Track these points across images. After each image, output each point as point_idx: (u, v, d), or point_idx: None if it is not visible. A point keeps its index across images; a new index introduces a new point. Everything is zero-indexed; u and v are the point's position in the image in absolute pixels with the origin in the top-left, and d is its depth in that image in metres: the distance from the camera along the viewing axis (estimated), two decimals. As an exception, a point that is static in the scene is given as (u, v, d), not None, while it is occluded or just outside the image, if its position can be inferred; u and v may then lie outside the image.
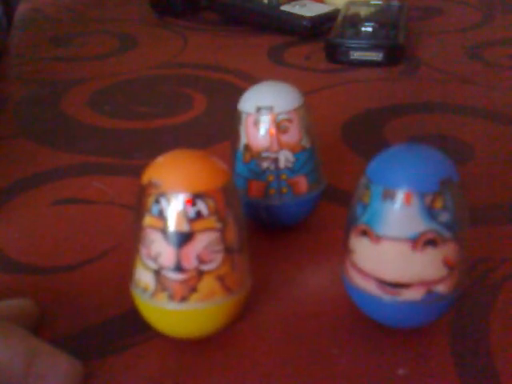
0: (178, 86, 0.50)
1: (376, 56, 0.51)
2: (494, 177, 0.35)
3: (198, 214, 0.21)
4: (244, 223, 0.23)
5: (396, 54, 0.51)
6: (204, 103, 0.46)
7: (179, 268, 0.21)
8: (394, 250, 0.21)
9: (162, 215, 0.21)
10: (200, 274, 0.22)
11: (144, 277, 0.22)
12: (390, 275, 0.22)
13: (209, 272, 0.22)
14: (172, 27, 0.63)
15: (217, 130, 0.41)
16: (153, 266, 0.22)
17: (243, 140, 0.28)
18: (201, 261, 0.21)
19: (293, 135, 0.27)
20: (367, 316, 0.24)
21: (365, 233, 0.22)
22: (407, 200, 0.21)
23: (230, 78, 0.51)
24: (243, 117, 0.28)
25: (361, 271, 0.23)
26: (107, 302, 0.26)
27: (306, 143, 0.28)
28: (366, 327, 0.24)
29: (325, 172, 0.30)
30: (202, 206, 0.21)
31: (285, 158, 0.27)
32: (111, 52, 0.57)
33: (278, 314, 0.25)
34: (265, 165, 0.28)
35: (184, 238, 0.21)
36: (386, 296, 0.22)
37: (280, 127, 0.27)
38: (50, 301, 0.26)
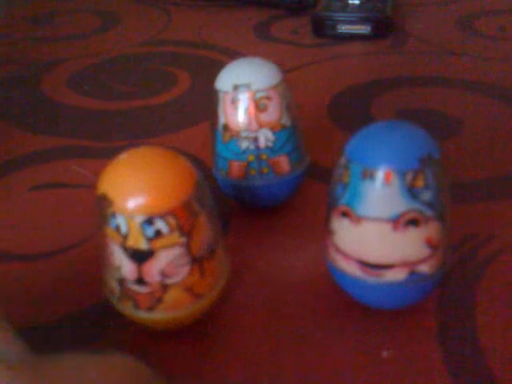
0: (162, 64, 0.48)
1: (364, 29, 0.50)
2: (483, 151, 0.34)
3: (158, 233, 0.19)
4: (217, 222, 0.22)
5: (384, 26, 0.50)
6: (188, 81, 0.45)
7: (142, 282, 0.20)
8: (375, 230, 0.21)
9: (119, 231, 0.20)
10: (165, 287, 0.20)
11: (110, 281, 0.21)
12: (372, 256, 0.21)
13: (174, 284, 0.20)
14: (155, 3, 0.62)
15: (201, 108, 0.40)
16: (116, 275, 0.21)
17: (222, 120, 0.27)
18: (165, 275, 0.20)
19: (272, 113, 0.26)
20: (351, 297, 0.23)
21: (345, 214, 0.21)
22: (387, 179, 0.20)
23: (215, 54, 0.50)
24: (221, 96, 0.27)
25: (342, 253, 0.22)
26: (85, 291, 0.25)
27: (286, 121, 0.27)
28: (349, 309, 0.24)
29: (310, 149, 0.30)
30: (161, 224, 0.19)
31: (265, 137, 0.27)
32: (93, 31, 0.56)
33: (260, 297, 0.25)
34: (244, 144, 0.27)
35: (144, 256, 0.20)
36: (368, 277, 0.22)
37: (259, 105, 0.26)
38: (26, 289, 0.26)
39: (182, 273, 0.20)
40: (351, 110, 0.40)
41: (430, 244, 0.21)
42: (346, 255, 0.22)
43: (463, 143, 0.35)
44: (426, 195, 0.20)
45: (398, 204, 0.20)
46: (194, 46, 0.51)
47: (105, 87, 0.45)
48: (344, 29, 0.51)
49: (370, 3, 0.51)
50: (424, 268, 0.21)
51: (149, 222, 0.19)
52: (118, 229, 0.20)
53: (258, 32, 0.54)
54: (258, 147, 0.27)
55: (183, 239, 0.20)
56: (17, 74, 0.47)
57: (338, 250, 0.22)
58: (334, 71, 0.46)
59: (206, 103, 0.35)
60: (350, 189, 0.21)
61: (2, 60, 0.50)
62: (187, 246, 0.20)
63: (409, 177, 0.20)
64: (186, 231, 0.20)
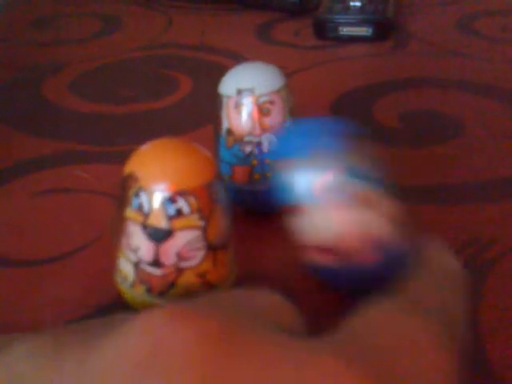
0: (163, 67, 0.48)
1: (365, 31, 0.50)
2: (484, 153, 0.34)
3: (179, 212, 0.20)
4: (230, 217, 0.22)
5: (385, 28, 0.50)
6: (190, 85, 0.45)
7: (158, 263, 0.21)
8: (328, 216, 0.21)
9: (141, 210, 0.21)
10: (179, 270, 0.21)
11: (124, 266, 0.22)
12: (334, 242, 0.21)
13: (189, 269, 0.21)
14: (157, 6, 0.62)
15: (203, 112, 0.40)
16: (132, 257, 0.21)
17: (225, 124, 0.27)
18: (180, 258, 0.21)
19: (275, 118, 0.26)
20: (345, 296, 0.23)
21: (297, 210, 0.21)
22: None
23: (216, 58, 0.50)
24: (224, 100, 0.27)
25: (310, 248, 0.22)
26: (89, 295, 0.25)
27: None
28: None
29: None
30: (183, 203, 0.20)
31: (268, 141, 0.27)
32: (94, 34, 0.56)
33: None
34: (248, 149, 0.27)
35: (163, 235, 0.20)
36: (340, 264, 0.21)
37: (262, 110, 0.26)
38: (30, 294, 0.26)
39: (197, 257, 0.21)
40: (354, 113, 0.40)
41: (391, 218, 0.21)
42: (315, 249, 0.22)
43: (465, 145, 0.35)
44: (374, 173, 0.21)
45: (344, 186, 0.20)
46: (195, 49, 0.51)
47: (107, 91, 0.45)
48: (345, 31, 0.51)
49: (372, 5, 0.51)
50: (389, 242, 0.21)
51: (171, 200, 0.20)
52: (140, 208, 0.20)
53: (260, 35, 0.54)
54: (261, 151, 0.27)
55: (201, 223, 0.21)
56: (18, 77, 0.47)
57: (307, 246, 0.22)
58: (336, 74, 0.46)
59: (208, 107, 0.35)
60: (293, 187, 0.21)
61: (4, 64, 0.50)
62: (204, 231, 0.21)
63: None
64: (205, 216, 0.21)
